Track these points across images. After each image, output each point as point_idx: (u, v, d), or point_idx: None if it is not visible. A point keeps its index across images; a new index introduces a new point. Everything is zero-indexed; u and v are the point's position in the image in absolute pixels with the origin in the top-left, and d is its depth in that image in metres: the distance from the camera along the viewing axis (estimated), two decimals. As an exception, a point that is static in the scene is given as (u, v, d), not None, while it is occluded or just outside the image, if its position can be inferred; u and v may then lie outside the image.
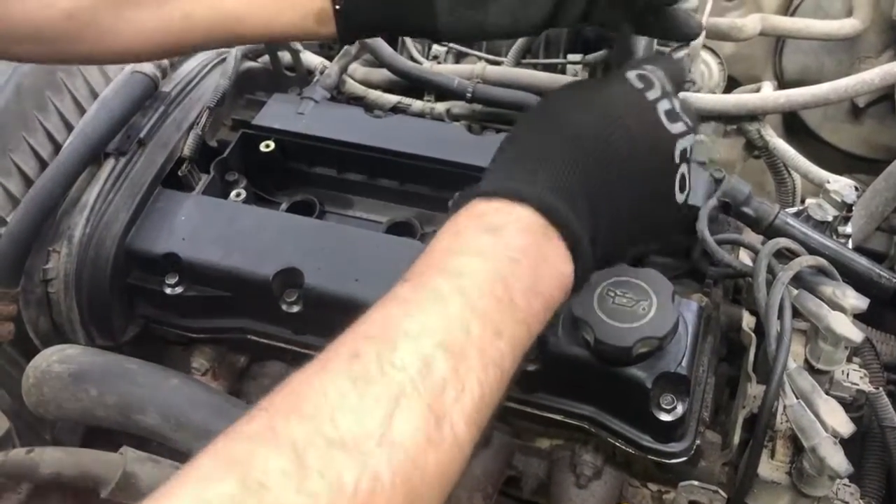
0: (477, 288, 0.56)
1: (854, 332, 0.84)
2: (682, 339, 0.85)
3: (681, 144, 0.70)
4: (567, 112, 0.69)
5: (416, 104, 1.25)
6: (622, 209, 0.68)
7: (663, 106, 0.70)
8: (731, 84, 1.52)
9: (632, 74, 0.72)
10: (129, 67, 1.14)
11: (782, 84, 1.65)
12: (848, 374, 0.91)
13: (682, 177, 0.71)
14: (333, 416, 0.47)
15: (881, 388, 1.00)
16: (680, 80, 0.78)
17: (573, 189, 0.64)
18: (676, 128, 0.70)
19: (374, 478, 0.46)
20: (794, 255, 0.91)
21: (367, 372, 0.50)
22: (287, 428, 0.47)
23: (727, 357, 1.04)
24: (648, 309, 0.82)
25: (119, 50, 0.79)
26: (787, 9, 1.60)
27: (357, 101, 1.27)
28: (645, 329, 0.81)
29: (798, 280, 0.89)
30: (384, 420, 0.48)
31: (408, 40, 1.38)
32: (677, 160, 0.70)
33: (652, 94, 0.70)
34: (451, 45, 1.37)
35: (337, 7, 0.75)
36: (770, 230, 0.95)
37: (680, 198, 0.72)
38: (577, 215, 0.63)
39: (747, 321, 0.98)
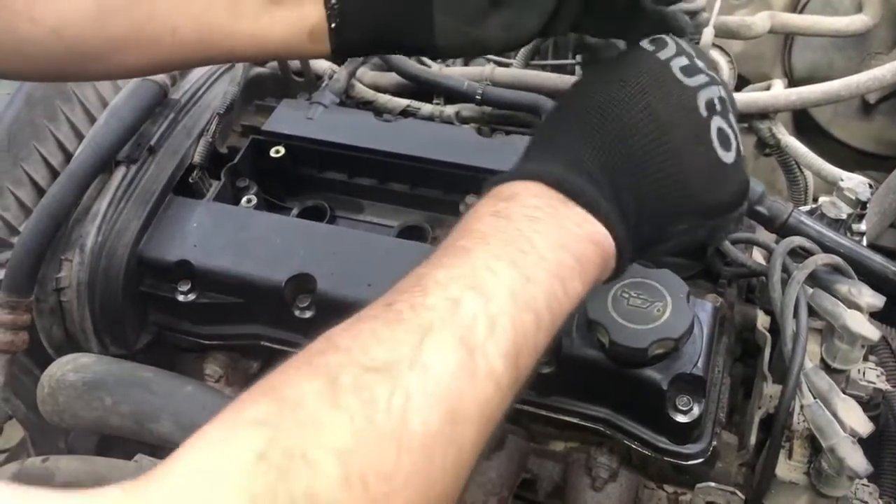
0: (499, 239, 0.57)
1: (871, 331, 0.84)
2: (698, 339, 0.85)
3: (704, 96, 0.66)
4: (582, 93, 0.69)
5: (426, 107, 1.25)
6: (652, 178, 0.64)
7: (679, 62, 0.67)
8: (741, 82, 1.51)
9: (645, 42, 0.70)
10: (138, 75, 1.15)
11: (792, 81, 1.64)
12: (864, 373, 0.90)
13: (721, 131, 0.66)
14: (366, 348, 0.49)
15: (898, 387, 0.99)
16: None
17: (587, 164, 0.63)
18: (695, 80, 0.66)
19: (406, 395, 0.47)
20: (809, 253, 0.90)
21: (399, 314, 0.52)
22: (322, 359, 0.49)
23: (742, 357, 1.04)
24: (663, 310, 0.82)
25: (109, 67, 0.77)
26: (796, 6, 1.59)
27: (366, 105, 1.27)
28: (660, 330, 0.80)
29: (813, 279, 0.88)
30: (414, 347, 0.49)
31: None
32: (704, 113, 0.66)
33: (665, 54, 0.68)
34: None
35: (332, 25, 0.73)
36: (784, 229, 0.95)
37: (726, 156, 0.66)
38: (597, 188, 0.62)
39: (762, 321, 0.97)
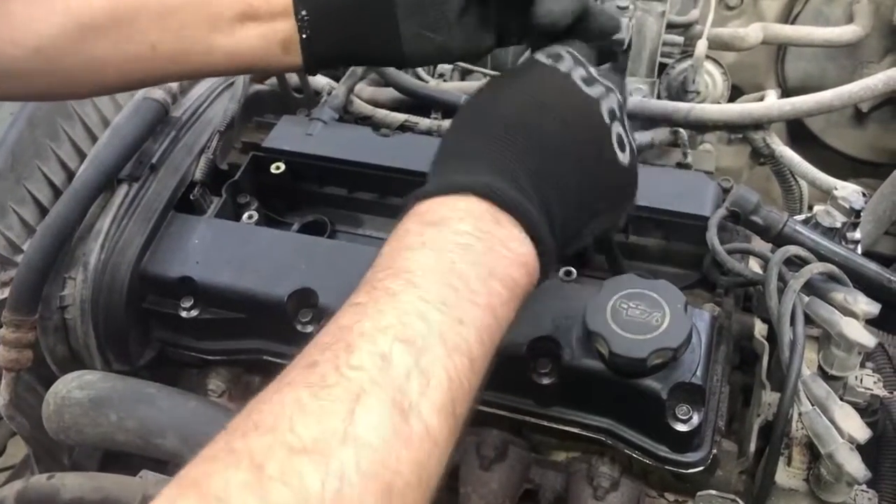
0: (428, 278, 0.55)
1: (867, 338, 0.85)
2: (696, 349, 0.86)
3: (605, 105, 0.70)
4: (489, 105, 0.70)
5: (424, 122, 1.26)
6: (569, 183, 0.67)
7: (578, 74, 0.70)
8: (735, 92, 1.53)
9: (541, 55, 0.72)
10: (139, 94, 1.16)
11: (785, 91, 1.66)
12: (861, 380, 0.91)
13: (619, 136, 0.70)
14: (292, 424, 0.46)
15: (895, 393, 1.00)
16: (609, 32, 0.78)
17: (513, 171, 0.64)
18: (596, 90, 0.70)
19: (340, 477, 0.44)
20: (805, 262, 0.91)
21: (325, 378, 0.48)
22: (245, 444, 0.45)
23: (740, 365, 1.04)
24: (662, 320, 0.82)
25: (89, 83, 0.79)
26: (788, 16, 1.61)
27: (365, 120, 1.28)
28: (659, 340, 0.81)
29: (809, 287, 0.89)
30: (345, 418, 0.46)
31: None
32: (607, 120, 0.69)
33: (564, 66, 0.70)
34: (457, 63, 1.38)
35: (303, 36, 0.76)
36: (779, 238, 0.96)
37: (623, 158, 0.71)
38: (524, 195, 0.63)
39: (759, 329, 0.98)
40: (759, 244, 1.00)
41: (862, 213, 1.00)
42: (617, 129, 0.70)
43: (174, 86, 1.16)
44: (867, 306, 0.87)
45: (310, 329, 0.97)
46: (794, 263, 0.92)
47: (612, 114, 0.70)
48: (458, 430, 0.53)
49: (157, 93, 1.14)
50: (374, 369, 0.49)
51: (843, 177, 1.23)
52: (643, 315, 0.83)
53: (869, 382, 0.91)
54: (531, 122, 0.67)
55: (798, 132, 1.68)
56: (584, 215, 0.70)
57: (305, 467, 0.44)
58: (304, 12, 0.75)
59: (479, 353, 0.55)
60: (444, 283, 0.56)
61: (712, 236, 0.94)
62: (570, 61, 0.70)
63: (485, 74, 1.37)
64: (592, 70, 0.72)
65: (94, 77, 0.77)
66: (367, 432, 0.46)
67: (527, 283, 0.62)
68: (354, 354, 0.50)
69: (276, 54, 0.77)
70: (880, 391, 0.91)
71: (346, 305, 0.55)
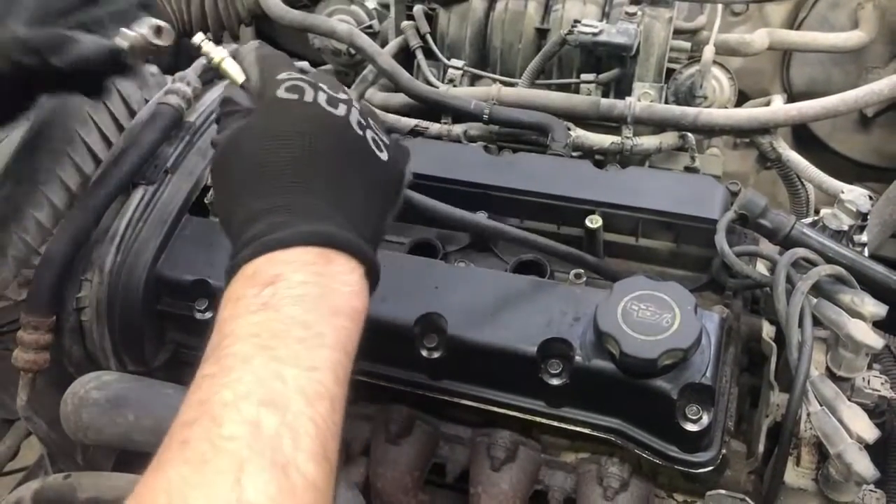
0: (275, 338, 0.58)
1: (874, 339, 0.86)
2: (706, 350, 0.86)
3: (353, 118, 0.73)
4: (259, 157, 0.70)
5: (434, 127, 1.28)
6: (358, 197, 0.71)
7: (322, 99, 0.72)
8: (742, 98, 1.54)
9: (281, 92, 0.73)
10: (154, 99, 1.17)
11: (791, 96, 1.67)
12: (869, 381, 0.92)
13: (374, 139, 0.74)
14: (184, 499, 0.49)
15: (903, 394, 1.01)
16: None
17: (318, 209, 0.67)
18: (342, 109, 0.73)
19: None
20: (812, 264, 0.92)
21: (202, 453, 0.51)
22: None
23: (748, 367, 1.05)
24: (672, 321, 0.83)
25: None
26: (794, 22, 1.62)
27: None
28: (670, 341, 0.82)
29: (817, 289, 0.90)
30: (233, 487, 0.49)
31: (423, 64, 1.40)
32: (360, 132, 0.73)
33: (308, 96, 0.72)
34: (467, 68, 1.39)
35: None
36: (787, 241, 0.97)
37: (384, 156, 0.75)
38: (338, 225, 0.66)
39: (767, 331, 0.99)
40: (767, 247, 1.01)
41: (868, 217, 1.01)
42: (370, 134, 0.74)
43: (188, 91, 1.18)
44: (874, 308, 0.88)
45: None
46: (802, 266, 0.93)
47: (360, 124, 0.74)
48: (333, 471, 0.56)
49: (172, 98, 1.16)
50: (248, 436, 0.52)
51: (848, 181, 1.23)
52: (653, 316, 0.84)
53: (877, 384, 0.92)
54: (306, 157, 0.69)
55: (804, 137, 1.69)
56: (377, 216, 0.75)
57: None
58: None
59: (337, 391, 0.59)
60: (291, 339, 0.58)
61: (721, 239, 0.95)
62: (310, 91, 0.73)
63: (494, 80, 1.38)
64: (330, 89, 0.74)
65: None
66: (256, 495, 0.49)
67: (363, 306, 0.66)
68: (225, 426, 0.52)
69: None
70: (888, 392, 0.92)
71: (198, 378, 0.57)
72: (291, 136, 0.69)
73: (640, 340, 0.82)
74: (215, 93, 1.22)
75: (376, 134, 0.76)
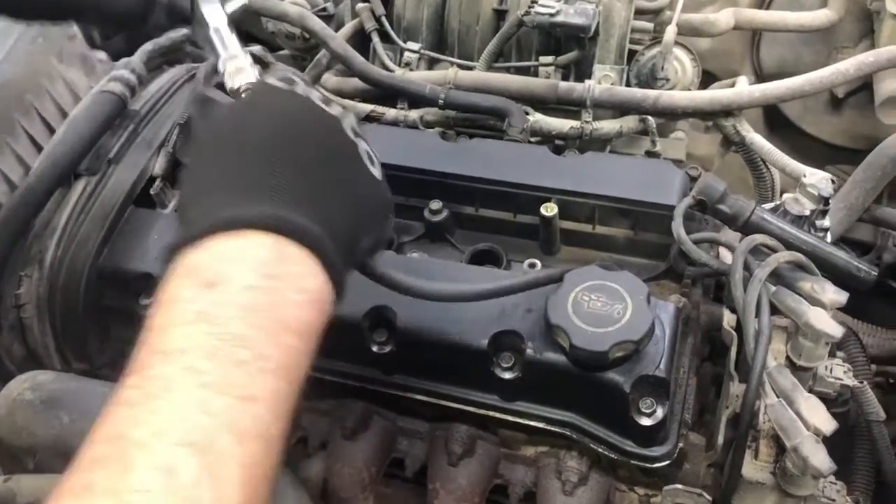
0: (207, 361, 0.50)
1: (833, 327, 0.84)
2: (660, 341, 0.84)
3: (347, 123, 0.70)
4: (239, 133, 0.65)
5: (390, 112, 1.25)
6: (346, 202, 0.66)
7: (315, 95, 0.69)
8: (710, 79, 1.51)
9: (273, 80, 0.70)
10: (97, 87, 1.14)
11: (761, 77, 1.64)
12: (831, 370, 0.90)
13: (366, 151, 0.71)
14: None
15: (865, 382, 0.99)
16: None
17: (285, 196, 0.60)
18: (335, 109, 0.69)
19: None
20: (772, 251, 0.90)
21: None
22: None
23: (711, 356, 1.03)
24: (623, 312, 0.81)
25: None
26: (763, 2, 1.59)
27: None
28: (620, 333, 0.80)
29: (776, 276, 0.88)
30: None
31: (379, 48, 1.37)
32: (352, 137, 0.69)
33: (300, 90, 0.69)
34: (423, 51, 1.36)
35: None
36: (747, 227, 0.95)
37: (375, 172, 0.71)
38: (309, 219, 0.59)
39: (728, 319, 0.97)
40: (727, 234, 0.99)
41: (832, 201, 0.99)
42: (363, 144, 0.70)
43: (132, 78, 1.14)
44: (835, 295, 0.86)
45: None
46: (762, 252, 0.91)
47: (354, 131, 0.70)
48: (268, 497, 0.50)
49: (115, 86, 1.12)
50: (159, 488, 0.44)
51: (820, 164, 1.21)
52: (605, 307, 0.82)
53: (839, 372, 0.90)
54: (288, 145, 0.64)
55: (775, 119, 1.66)
56: (355, 227, 0.67)
57: None
58: None
59: (275, 430, 0.51)
60: (227, 360, 0.50)
61: (678, 225, 0.93)
62: (303, 85, 0.70)
63: (452, 63, 1.35)
64: (322, 91, 0.72)
65: None
66: None
67: (321, 321, 0.59)
68: (135, 473, 0.45)
69: None
70: (850, 381, 0.90)
71: (117, 399, 0.50)
72: (277, 122, 0.66)
73: (591, 332, 0.80)
74: (161, 80, 1.19)
75: (371, 150, 0.71)
